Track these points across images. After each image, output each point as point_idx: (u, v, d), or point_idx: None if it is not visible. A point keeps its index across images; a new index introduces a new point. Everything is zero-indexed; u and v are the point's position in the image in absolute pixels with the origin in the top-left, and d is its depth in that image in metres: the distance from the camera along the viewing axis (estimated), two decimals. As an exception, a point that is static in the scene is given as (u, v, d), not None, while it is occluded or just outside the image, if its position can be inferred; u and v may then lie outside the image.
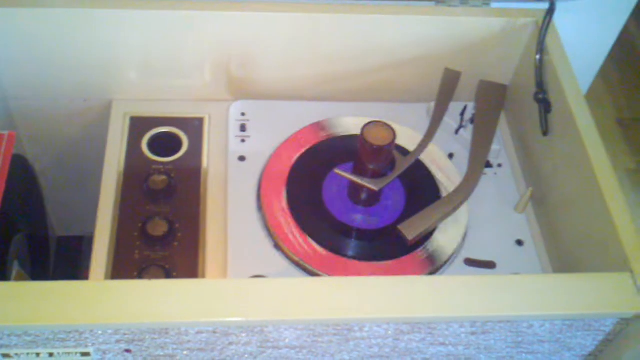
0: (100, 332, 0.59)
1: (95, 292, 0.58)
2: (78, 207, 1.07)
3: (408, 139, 0.87)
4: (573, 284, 0.63)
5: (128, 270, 0.76)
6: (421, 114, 0.94)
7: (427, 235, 0.79)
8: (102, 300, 0.58)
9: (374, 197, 0.81)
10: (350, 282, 0.62)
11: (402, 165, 0.79)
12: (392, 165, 0.79)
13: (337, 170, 0.77)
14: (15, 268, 0.86)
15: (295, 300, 0.59)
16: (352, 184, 0.80)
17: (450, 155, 0.89)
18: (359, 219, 0.80)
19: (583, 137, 0.77)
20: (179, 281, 0.62)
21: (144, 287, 0.59)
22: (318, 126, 0.88)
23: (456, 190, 0.80)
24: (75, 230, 1.13)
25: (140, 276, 0.75)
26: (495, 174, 0.89)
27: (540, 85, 0.85)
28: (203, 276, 0.76)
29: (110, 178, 0.83)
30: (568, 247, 0.79)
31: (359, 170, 0.78)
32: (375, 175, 0.77)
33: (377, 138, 0.74)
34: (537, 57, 0.85)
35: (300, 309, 0.59)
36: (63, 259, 1.11)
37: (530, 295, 0.62)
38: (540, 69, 0.85)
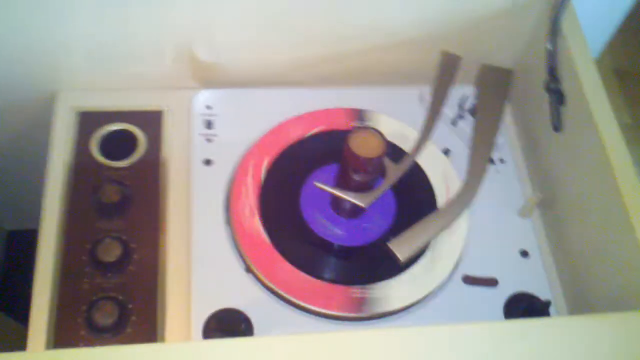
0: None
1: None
2: (29, 201, 0.96)
3: (400, 134, 0.76)
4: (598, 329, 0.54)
5: (76, 305, 0.65)
6: (412, 99, 0.82)
7: (420, 252, 0.69)
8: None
9: (360, 209, 0.70)
10: (341, 341, 0.52)
11: (395, 174, 0.68)
12: (381, 172, 0.68)
13: (317, 183, 0.66)
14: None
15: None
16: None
17: (447, 151, 0.78)
18: (343, 234, 0.70)
19: (602, 134, 0.66)
20: (130, 349, 0.51)
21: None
22: (295, 122, 0.77)
23: (455, 198, 0.69)
24: (28, 223, 1.01)
25: (89, 311, 0.64)
26: (498, 171, 0.78)
27: (553, 73, 0.73)
28: (163, 310, 0.66)
29: (53, 189, 0.72)
30: (580, 261, 0.70)
31: (343, 181, 0.67)
32: (362, 188, 0.66)
33: (365, 148, 0.63)
34: (549, 41, 0.73)
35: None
36: (15, 253, 1.01)
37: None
38: (553, 54, 0.73)
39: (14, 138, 0.86)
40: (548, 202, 0.75)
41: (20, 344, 0.65)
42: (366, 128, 0.63)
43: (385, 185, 0.66)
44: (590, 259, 0.68)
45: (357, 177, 0.65)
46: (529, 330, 0.53)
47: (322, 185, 0.66)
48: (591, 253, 0.68)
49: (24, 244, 0.72)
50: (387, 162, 0.68)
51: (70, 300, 0.66)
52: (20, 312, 0.68)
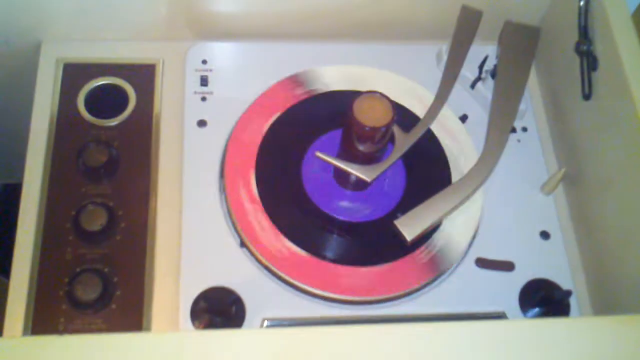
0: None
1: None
2: (16, 154, 0.91)
3: (413, 96, 0.70)
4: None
5: (58, 277, 0.61)
6: (429, 58, 0.75)
7: (432, 231, 0.64)
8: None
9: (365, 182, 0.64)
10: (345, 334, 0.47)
11: (404, 145, 0.61)
12: (390, 141, 0.62)
13: (318, 154, 0.60)
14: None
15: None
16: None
17: (464, 118, 0.72)
18: (347, 209, 0.64)
19: (637, 105, 0.59)
20: (111, 338, 0.46)
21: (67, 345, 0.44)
22: (296, 80, 0.70)
23: (471, 172, 0.63)
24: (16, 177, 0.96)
25: (71, 284, 0.60)
26: (519, 140, 0.72)
27: (585, 34, 0.66)
28: (150, 286, 0.61)
29: (36, 151, 0.67)
30: (607, 243, 0.64)
31: (347, 151, 0.61)
32: (368, 159, 0.60)
33: (371, 117, 0.56)
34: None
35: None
36: (6, 206, 0.97)
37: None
38: (585, 11, 0.65)
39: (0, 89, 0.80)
40: (574, 178, 0.69)
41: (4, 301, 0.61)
42: (373, 93, 0.57)
43: (393, 157, 0.60)
44: (619, 244, 0.62)
45: (362, 148, 0.59)
46: (543, 331, 0.48)
47: (324, 155, 0.60)
48: (621, 237, 0.62)
49: (15, 197, 0.68)
50: (396, 130, 0.61)
51: (51, 271, 0.61)
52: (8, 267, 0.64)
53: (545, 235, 0.66)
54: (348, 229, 0.64)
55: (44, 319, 0.59)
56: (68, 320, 0.59)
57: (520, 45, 0.69)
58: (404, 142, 0.61)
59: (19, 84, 0.74)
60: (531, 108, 0.73)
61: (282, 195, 0.64)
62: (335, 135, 0.66)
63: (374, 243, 0.64)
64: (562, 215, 0.68)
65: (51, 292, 0.60)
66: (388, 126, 0.56)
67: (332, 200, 0.64)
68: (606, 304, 0.63)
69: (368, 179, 0.59)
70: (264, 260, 0.61)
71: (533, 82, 0.76)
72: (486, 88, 0.72)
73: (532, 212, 0.67)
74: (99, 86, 0.70)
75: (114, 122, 0.69)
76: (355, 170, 0.59)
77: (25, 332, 0.58)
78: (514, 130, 0.72)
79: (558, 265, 0.65)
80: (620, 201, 0.62)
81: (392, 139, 0.62)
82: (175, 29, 0.74)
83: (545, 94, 0.75)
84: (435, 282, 0.63)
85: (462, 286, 0.63)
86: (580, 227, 0.68)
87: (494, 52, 0.71)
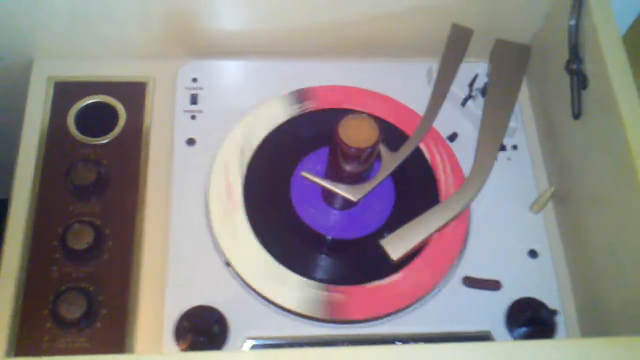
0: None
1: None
2: (5, 170, 0.91)
3: (403, 114, 0.69)
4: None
5: (43, 294, 0.61)
6: (420, 75, 0.75)
7: (418, 249, 0.63)
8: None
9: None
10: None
11: (391, 164, 0.61)
12: (378, 158, 0.62)
13: (304, 174, 0.60)
14: None
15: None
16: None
17: (453, 137, 0.71)
18: (333, 227, 0.64)
19: (626, 125, 0.59)
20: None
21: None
22: (287, 99, 0.70)
23: (459, 191, 0.63)
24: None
25: (55, 303, 0.60)
26: (509, 159, 0.71)
27: (575, 52, 0.65)
28: (135, 305, 0.61)
29: (25, 167, 0.67)
30: (596, 263, 0.63)
31: (333, 171, 0.61)
32: (355, 179, 0.60)
33: (357, 137, 0.56)
34: (572, 15, 0.64)
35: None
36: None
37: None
38: (576, 30, 0.65)
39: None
40: (563, 196, 0.68)
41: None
42: (358, 114, 0.57)
43: (379, 177, 0.60)
44: (608, 263, 0.61)
45: (348, 168, 0.59)
46: (529, 354, 0.47)
47: (310, 175, 0.60)
48: (610, 256, 0.61)
49: (2, 213, 0.68)
50: (383, 149, 0.61)
51: (37, 289, 0.61)
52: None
53: (533, 254, 0.66)
54: (334, 246, 0.64)
55: (28, 337, 0.59)
56: (52, 339, 0.59)
57: (511, 63, 0.69)
58: (391, 161, 0.61)
59: (10, 101, 0.75)
60: (522, 126, 0.73)
61: (270, 215, 0.64)
62: (324, 153, 0.66)
63: (360, 262, 0.64)
64: (551, 234, 0.68)
65: (36, 310, 0.60)
66: (374, 147, 0.56)
67: (319, 218, 0.64)
68: (595, 324, 0.63)
69: (354, 199, 0.59)
70: (247, 280, 0.61)
71: (525, 100, 0.76)
72: (476, 106, 0.72)
73: (520, 231, 0.67)
74: (89, 104, 0.71)
75: (103, 140, 0.69)
76: (341, 190, 0.59)
77: (9, 349, 0.58)
78: (504, 148, 0.71)
79: (546, 285, 0.64)
80: (610, 220, 0.62)
81: (380, 157, 0.62)
82: (167, 46, 0.74)
83: (537, 111, 0.75)
84: (421, 301, 0.62)
85: (448, 305, 0.63)
86: (569, 246, 0.67)
87: (484, 70, 0.71)
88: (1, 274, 0.62)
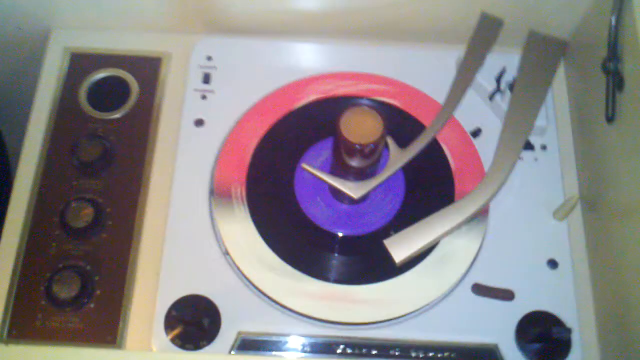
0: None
1: None
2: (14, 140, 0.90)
3: (422, 105, 0.65)
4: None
5: (40, 271, 0.60)
6: (449, 62, 0.70)
7: (426, 252, 0.60)
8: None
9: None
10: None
11: (398, 161, 0.58)
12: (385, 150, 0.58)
13: (305, 166, 0.57)
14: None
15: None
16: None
17: (476, 132, 0.67)
18: (339, 222, 0.61)
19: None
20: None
21: None
22: (300, 85, 0.67)
23: (475, 192, 0.59)
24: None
25: (51, 281, 0.59)
26: (536, 159, 0.66)
27: (614, 51, 0.60)
28: (130, 288, 0.60)
29: (33, 140, 0.66)
30: (624, 278, 0.58)
31: (338, 165, 0.58)
32: (359, 175, 0.57)
33: (360, 132, 0.53)
34: (613, 12, 0.59)
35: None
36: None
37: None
38: (616, 27, 0.59)
39: (5, 80, 0.79)
40: (593, 204, 0.63)
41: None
42: (361, 106, 0.53)
43: (384, 175, 0.57)
44: (638, 279, 0.57)
45: (352, 163, 0.55)
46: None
47: (311, 169, 0.57)
48: (637, 267, 0.56)
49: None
50: (392, 144, 0.58)
51: (35, 265, 0.61)
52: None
53: (553, 264, 0.61)
54: (337, 243, 0.61)
55: (22, 315, 0.59)
56: (45, 317, 0.59)
57: (543, 57, 0.64)
58: (399, 158, 0.58)
59: (27, 70, 0.74)
60: (554, 125, 0.67)
61: (273, 206, 0.62)
62: (328, 147, 0.63)
63: (364, 261, 0.61)
64: (575, 244, 0.63)
65: (32, 287, 0.60)
66: (377, 142, 0.53)
67: (324, 212, 0.61)
68: (619, 348, 0.58)
69: (355, 196, 0.56)
70: (244, 271, 0.59)
71: (562, 98, 0.70)
72: (504, 101, 0.67)
73: (541, 238, 0.62)
74: (102, 78, 0.69)
75: (114, 115, 0.67)
76: (342, 186, 0.56)
77: (2, 325, 0.58)
78: (531, 147, 0.67)
79: (564, 298, 0.60)
80: (640, 234, 0.57)
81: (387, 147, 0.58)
82: (186, 20, 0.72)
83: (572, 112, 0.69)
84: (427, 307, 0.59)
85: (455, 312, 0.59)
86: (595, 258, 0.63)
87: (513, 62, 0.66)
88: (1, 248, 0.61)
